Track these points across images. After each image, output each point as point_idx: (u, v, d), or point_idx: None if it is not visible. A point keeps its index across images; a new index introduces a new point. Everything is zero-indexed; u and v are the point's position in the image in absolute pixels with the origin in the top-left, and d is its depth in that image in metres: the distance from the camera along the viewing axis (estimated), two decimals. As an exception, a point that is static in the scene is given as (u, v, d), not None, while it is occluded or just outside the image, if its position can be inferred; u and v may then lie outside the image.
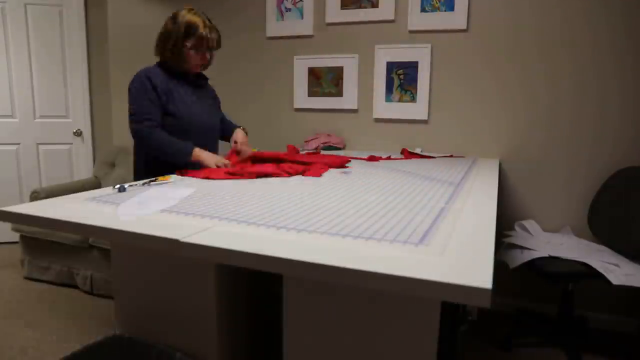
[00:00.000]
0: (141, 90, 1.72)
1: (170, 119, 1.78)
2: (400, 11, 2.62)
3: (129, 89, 1.76)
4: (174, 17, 1.79)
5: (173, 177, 1.56)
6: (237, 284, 1.18)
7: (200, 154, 1.73)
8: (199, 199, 1.22)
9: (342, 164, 1.92)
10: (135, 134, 1.74)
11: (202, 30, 1.76)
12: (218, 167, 1.72)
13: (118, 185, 1.30)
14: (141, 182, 1.40)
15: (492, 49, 2.47)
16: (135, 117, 1.73)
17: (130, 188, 1.31)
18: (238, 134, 1.97)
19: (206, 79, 1.99)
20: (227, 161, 1.77)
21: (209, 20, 1.81)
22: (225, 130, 2.05)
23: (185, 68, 1.83)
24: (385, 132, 2.75)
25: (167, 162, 1.75)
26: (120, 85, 3.47)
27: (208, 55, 1.84)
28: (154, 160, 1.79)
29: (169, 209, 1.10)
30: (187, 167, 1.73)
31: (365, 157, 2.26)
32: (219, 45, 1.84)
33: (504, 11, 2.42)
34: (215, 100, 2.04)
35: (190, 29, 1.75)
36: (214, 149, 1.94)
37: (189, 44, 1.76)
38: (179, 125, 1.78)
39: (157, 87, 1.74)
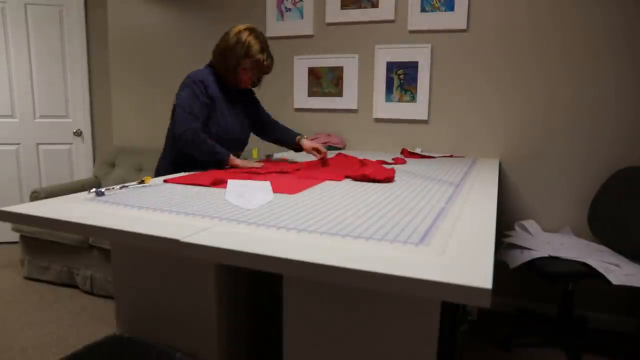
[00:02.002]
0: (195, 92, 1.79)
1: (210, 125, 1.85)
2: (400, 11, 2.62)
3: (182, 88, 1.82)
4: (238, 34, 1.84)
5: (152, 181, 1.52)
6: (237, 284, 1.18)
7: (235, 161, 1.79)
8: (204, 200, 1.22)
9: (386, 178, 1.56)
10: (182, 133, 1.76)
11: (260, 55, 1.84)
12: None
13: (94, 190, 1.28)
14: (118, 185, 1.39)
15: (492, 49, 2.47)
16: (185, 117, 1.77)
17: (108, 192, 1.30)
18: (308, 145, 2.05)
19: (252, 92, 2.09)
20: (261, 164, 1.83)
21: (267, 45, 1.89)
22: (284, 134, 2.13)
23: (233, 83, 1.91)
24: (385, 132, 2.75)
25: (194, 164, 1.82)
26: (120, 85, 3.47)
27: (255, 79, 1.94)
28: (185, 161, 1.85)
29: (169, 209, 1.10)
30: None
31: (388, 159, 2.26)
32: (269, 71, 1.94)
33: (503, 11, 2.42)
34: (255, 108, 2.11)
35: (251, 51, 1.83)
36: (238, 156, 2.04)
37: (245, 65, 1.85)
38: (214, 133, 1.86)
39: (208, 93, 1.83)
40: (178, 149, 1.86)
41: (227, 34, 1.87)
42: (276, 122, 2.16)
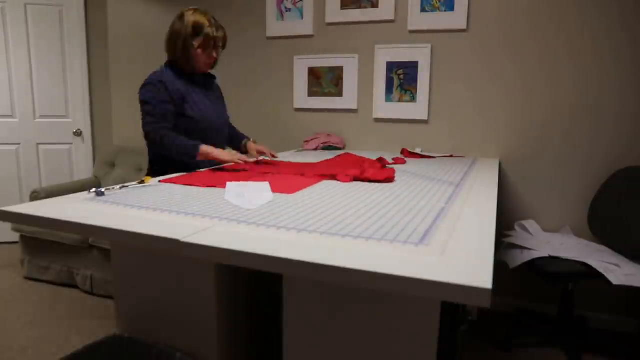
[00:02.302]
0: (155, 94, 1.78)
1: (186, 121, 1.84)
2: (400, 11, 2.62)
3: (142, 93, 1.81)
4: (181, 17, 1.82)
5: (152, 181, 1.52)
6: (237, 284, 1.18)
7: (212, 151, 1.76)
8: (204, 200, 1.22)
9: (386, 178, 1.55)
10: (146, 136, 1.79)
11: (208, 29, 1.79)
12: (234, 162, 1.76)
13: (94, 190, 1.28)
14: (118, 186, 1.39)
15: (492, 49, 2.47)
16: (148, 120, 1.78)
17: (108, 192, 1.29)
18: (253, 147, 2.07)
19: (214, 77, 2.04)
20: (243, 156, 1.82)
21: (215, 19, 1.85)
22: (233, 138, 2.14)
23: (194, 68, 1.87)
24: (385, 132, 2.75)
25: (174, 161, 1.81)
26: (120, 85, 3.47)
27: (215, 54, 1.87)
28: (163, 160, 1.85)
29: (169, 209, 1.10)
30: (199, 165, 1.81)
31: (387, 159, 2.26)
32: (224, 43, 1.89)
33: (503, 11, 2.42)
34: (222, 98, 2.11)
35: (197, 28, 1.79)
36: (222, 146, 2.01)
37: (196, 44, 1.80)
38: (196, 126, 1.85)
39: (172, 91, 1.79)
40: (154, 152, 1.87)
41: (172, 23, 1.85)
42: (230, 124, 2.17)
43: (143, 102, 1.80)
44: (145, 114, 1.79)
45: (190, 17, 1.80)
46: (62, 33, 3.51)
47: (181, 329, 1.16)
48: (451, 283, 0.67)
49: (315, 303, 0.97)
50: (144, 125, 1.78)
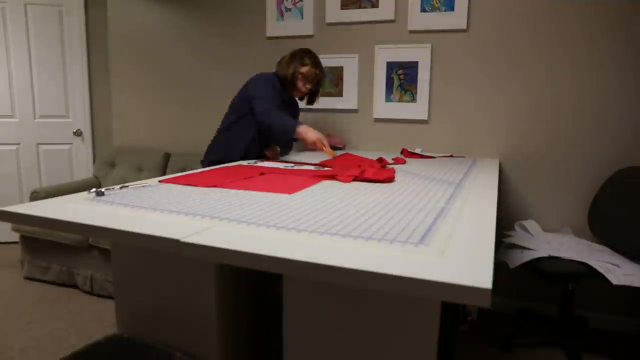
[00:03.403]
0: (269, 86, 2.23)
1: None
2: (400, 11, 2.62)
3: (255, 82, 2.23)
4: (297, 51, 2.32)
5: (148, 182, 1.52)
6: (237, 284, 1.18)
7: (305, 131, 2.03)
8: (204, 200, 1.22)
9: (386, 178, 1.56)
10: (264, 111, 2.10)
11: (313, 68, 2.29)
12: (315, 145, 2.03)
13: (94, 190, 1.28)
14: (118, 185, 1.39)
15: (492, 49, 2.47)
16: (263, 101, 2.14)
17: (108, 192, 1.30)
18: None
19: (297, 105, 2.49)
20: (325, 142, 2.06)
21: (320, 62, 2.34)
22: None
23: (290, 90, 2.33)
24: (385, 132, 2.75)
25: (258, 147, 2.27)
26: (120, 85, 3.47)
27: (309, 87, 2.33)
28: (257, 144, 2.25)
29: (169, 209, 1.10)
30: (291, 141, 2.29)
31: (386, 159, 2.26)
32: (323, 79, 2.43)
33: (503, 11, 2.42)
34: (296, 115, 2.51)
35: (305, 62, 2.29)
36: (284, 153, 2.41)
37: (301, 73, 2.28)
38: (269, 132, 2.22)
39: (274, 90, 2.25)
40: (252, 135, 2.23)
41: (295, 52, 2.34)
42: None
43: (256, 88, 2.20)
44: (259, 97, 2.16)
45: (304, 54, 2.30)
46: (62, 33, 3.51)
47: (181, 329, 1.16)
48: (451, 283, 0.67)
49: (315, 303, 0.97)
50: (258, 105, 2.13)
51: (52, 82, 3.54)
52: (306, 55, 2.29)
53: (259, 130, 2.21)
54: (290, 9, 2.85)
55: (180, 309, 1.15)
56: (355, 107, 2.79)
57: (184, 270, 1.13)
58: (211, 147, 2.32)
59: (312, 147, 2.06)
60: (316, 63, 2.30)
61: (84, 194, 1.27)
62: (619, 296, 2.38)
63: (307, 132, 2.02)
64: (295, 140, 2.10)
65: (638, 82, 2.24)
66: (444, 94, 2.60)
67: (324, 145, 2.03)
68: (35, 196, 2.89)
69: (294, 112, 2.47)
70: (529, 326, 2.37)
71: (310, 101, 2.47)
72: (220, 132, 2.31)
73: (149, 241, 0.90)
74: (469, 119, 2.56)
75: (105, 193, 1.29)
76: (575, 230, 2.42)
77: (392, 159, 2.18)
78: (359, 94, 2.78)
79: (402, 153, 2.49)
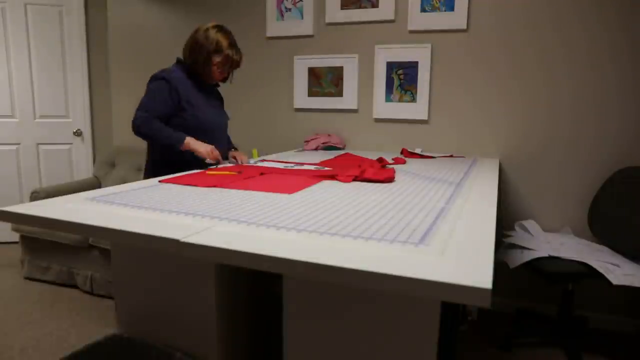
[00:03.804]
0: (157, 90, 1.88)
1: (189, 119, 1.93)
2: (400, 11, 2.62)
3: (148, 85, 1.92)
4: (205, 31, 1.93)
5: (149, 182, 1.51)
6: (237, 284, 1.18)
7: (194, 143, 1.85)
8: (204, 200, 1.22)
9: (386, 178, 1.55)
10: (133, 121, 1.87)
11: (228, 50, 1.93)
12: (209, 158, 1.85)
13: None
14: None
15: (492, 48, 2.47)
16: (140, 108, 1.88)
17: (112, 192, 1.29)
18: (232, 153, 2.13)
19: (218, 85, 2.14)
20: (217, 153, 1.88)
21: (235, 41, 1.99)
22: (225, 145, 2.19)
23: (207, 79, 2.00)
24: (385, 132, 2.75)
25: (172, 163, 1.89)
26: (120, 85, 3.47)
27: (227, 73, 2.03)
28: (161, 161, 1.95)
29: (169, 209, 1.10)
30: (190, 162, 1.90)
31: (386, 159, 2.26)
32: (239, 65, 2.02)
33: (503, 11, 2.42)
34: (222, 101, 2.21)
35: (219, 47, 1.92)
36: (223, 147, 2.07)
37: (216, 60, 1.93)
38: (198, 126, 1.95)
39: (178, 90, 1.90)
40: (155, 152, 1.96)
41: (195, 31, 1.96)
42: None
43: (146, 92, 1.91)
44: (141, 104, 1.89)
45: (214, 35, 1.92)
46: (62, 33, 3.51)
47: (181, 329, 1.16)
48: (451, 283, 0.67)
49: (315, 303, 0.97)
50: (137, 110, 1.88)
51: (52, 82, 3.54)
52: (218, 35, 1.91)
53: (193, 130, 1.92)
54: (290, 9, 2.86)
55: (180, 309, 1.15)
56: (355, 107, 2.79)
57: (184, 270, 1.13)
58: (152, 146, 2.03)
59: (206, 158, 1.86)
60: (231, 44, 1.94)
61: (84, 193, 1.28)
62: (619, 296, 2.38)
63: (196, 143, 1.84)
64: (180, 151, 1.86)
65: (638, 83, 2.24)
66: (444, 94, 2.60)
67: (217, 156, 1.86)
68: (35, 196, 2.89)
69: (220, 102, 2.17)
70: (529, 326, 2.37)
71: (225, 80, 2.08)
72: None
73: (149, 241, 0.90)
74: (469, 119, 2.56)
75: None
76: (575, 230, 2.42)
77: (392, 159, 2.18)
78: (359, 94, 2.78)
79: (402, 153, 2.49)
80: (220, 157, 1.88)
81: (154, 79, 1.91)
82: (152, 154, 2.01)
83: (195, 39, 1.93)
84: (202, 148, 1.85)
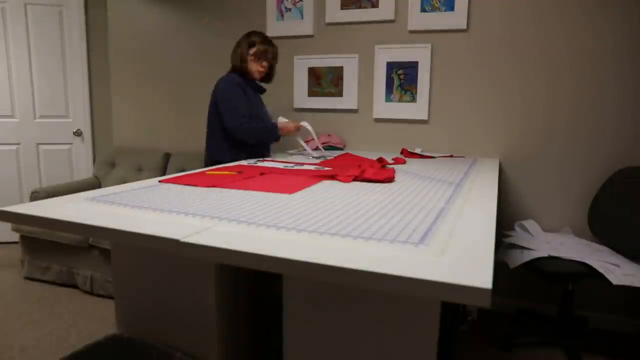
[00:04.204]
0: (235, 93, 2.20)
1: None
2: (400, 11, 2.62)
3: (222, 91, 2.19)
4: (243, 35, 2.31)
5: (149, 182, 1.51)
6: (237, 284, 1.18)
7: (283, 127, 2.27)
8: (204, 200, 1.22)
9: (386, 178, 1.56)
10: (237, 128, 2.16)
11: (261, 46, 2.26)
12: (296, 129, 2.29)
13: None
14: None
15: (492, 48, 2.47)
16: (234, 114, 2.17)
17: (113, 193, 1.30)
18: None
19: (263, 89, 2.43)
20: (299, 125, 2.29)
21: (267, 37, 2.31)
22: None
23: (251, 76, 2.31)
24: (385, 132, 2.75)
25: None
26: (120, 85, 3.47)
27: (265, 64, 2.30)
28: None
29: (169, 209, 1.10)
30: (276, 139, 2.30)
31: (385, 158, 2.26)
32: (275, 57, 2.34)
33: (503, 11, 2.42)
34: (264, 105, 2.49)
35: (252, 42, 2.27)
36: (268, 147, 2.42)
37: (252, 54, 2.26)
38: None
39: (246, 93, 2.25)
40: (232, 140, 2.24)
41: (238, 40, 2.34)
42: None
43: (224, 100, 2.18)
44: (232, 109, 2.17)
45: (250, 35, 2.29)
46: (62, 33, 3.51)
47: (181, 329, 1.16)
48: (451, 283, 0.67)
49: (315, 303, 0.97)
50: (233, 119, 2.17)
51: (52, 82, 3.54)
52: (252, 34, 2.27)
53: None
54: (290, 9, 2.85)
55: (180, 309, 1.15)
56: (355, 107, 2.79)
57: (184, 270, 1.13)
58: (208, 149, 2.32)
59: (293, 134, 2.27)
60: (264, 39, 2.28)
61: (84, 193, 1.28)
62: (619, 296, 2.38)
63: (286, 124, 2.26)
64: (279, 136, 2.25)
65: (637, 82, 2.24)
66: (444, 94, 2.60)
67: (298, 127, 2.27)
68: (35, 196, 2.89)
69: (260, 100, 2.43)
70: (529, 326, 2.37)
71: (268, 78, 2.41)
72: (213, 138, 2.29)
73: (149, 241, 0.90)
74: (469, 119, 2.56)
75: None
76: (575, 230, 2.42)
77: (392, 159, 2.18)
78: (359, 94, 2.78)
79: (402, 153, 2.49)
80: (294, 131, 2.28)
81: (229, 86, 2.19)
82: (215, 156, 2.25)
83: (237, 43, 2.31)
84: (289, 126, 2.27)
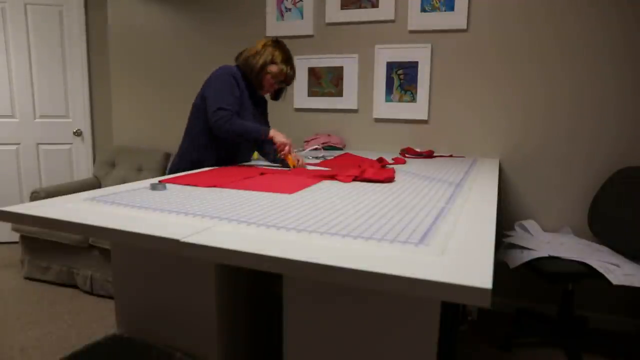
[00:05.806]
0: (228, 84, 1.92)
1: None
2: (400, 11, 2.62)
3: (213, 79, 1.93)
4: (265, 44, 2.02)
5: (149, 181, 1.51)
6: (237, 284, 1.18)
7: (273, 133, 1.91)
8: (204, 200, 1.22)
9: (386, 178, 1.57)
10: (216, 121, 1.87)
11: (283, 65, 2.00)
12: (284, 146, 1.89)
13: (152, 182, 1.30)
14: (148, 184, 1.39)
15: (492, 48, 2.47)
16: (217, 104, 1.88)
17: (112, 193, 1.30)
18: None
19: (266, 103, 2.18)
20: (288, 149, 1.92)
21: (291, 58, 2.05)
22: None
23: (257, 87, 2.05)
24: (385, 132, 2.75)
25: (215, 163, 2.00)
26: (120, 85, 3.47)
27: (276, 87, 2.06)
28: (202, 159, 1.99)
29: (169, 209, 1.10)
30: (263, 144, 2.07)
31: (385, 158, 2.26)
32: (291, 81, 2.08)
33: (503, 11, 2.42)
34: (265, 115, 2.21)
35: (275, 59, 2.00)
36: (248, 156, 2.14)
37: (270, 71, 1.98)
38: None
39: (240, 89, 1.97)
40: (200, 149, 1.97)
41: (256, 43, 2.05)
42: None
43: (212, 88, 1.92)
44: (217, 99, 1.90)
45: (272, 48, 2.01)
46: (62, 33, 3.51)
47: (181, 329, 1.16)
48: (451, 283, 0.67)
49: (315, 303, 0.97)
50: (216, 110, 1.88)
51: (52, 82, 3.54)
52: (277, 49, 2.00)
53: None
54: (290, 9, 2.86)
55: (180, 309, 1.15)
56: (355, 107, 2.79)
57: (184, 270, 1.13)
58: (181, 156, 2.02)
59: (279, 149, 1.89)
60: (287, 59, 2.02)
61: (84, 193, 1.28)
62: (619, 296, 2.38)
63: (276, 134, 1.90)
64: (262, 141, 1.96)
65: (637, 82, 2.24)
66: (444, 94, 2.60)
67: (289, 152, 1.89)
68: (35, 196, 2.89)
69: (263, 110, 2.17)
70: (529, 326, 2.37)
71: (276, 97, 2.15)
72: (189, 139, 2.01)
73: (149, 241, 0.90)
74: (469, 119, 2.56)
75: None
76: (575, 230, 2.42)
77: (392, 159, 2.18)
78: (359, 94, 2.78)
79: (406, 152, 2.48)
80: (291, 157, 1.91)
81: (223, 73, 1.93)
82: (189, 154, 1.99)
83: (255, 49, 2.01)
84: (279, 136, 1.89)
